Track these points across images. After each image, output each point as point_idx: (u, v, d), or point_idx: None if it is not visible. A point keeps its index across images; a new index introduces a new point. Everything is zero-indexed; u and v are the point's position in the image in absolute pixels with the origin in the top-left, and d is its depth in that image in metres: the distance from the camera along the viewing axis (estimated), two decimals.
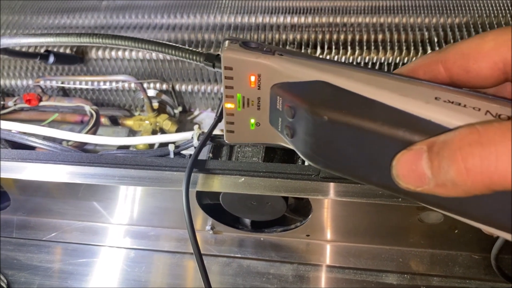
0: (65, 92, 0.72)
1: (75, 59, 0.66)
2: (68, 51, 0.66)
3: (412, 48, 0.60)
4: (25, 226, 0.63)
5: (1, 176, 0.50)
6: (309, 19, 0.66)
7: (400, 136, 0.19)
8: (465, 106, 0.19)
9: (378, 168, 0.21)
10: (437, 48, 0.59)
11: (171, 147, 0.53)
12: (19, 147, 0.60)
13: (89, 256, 0.61)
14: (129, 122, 0.69)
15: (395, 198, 0.44)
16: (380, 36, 0.62)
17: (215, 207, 0.55)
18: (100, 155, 0.50)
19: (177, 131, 0.69)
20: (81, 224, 0.63)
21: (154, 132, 0.68)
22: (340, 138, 0.22)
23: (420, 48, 0.60)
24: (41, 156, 0.51)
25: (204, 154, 0.52)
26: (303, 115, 0.23)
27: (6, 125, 0.58)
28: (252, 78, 0.25)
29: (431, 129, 0.19)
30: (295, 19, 0.66)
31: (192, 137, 0.53)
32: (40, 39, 0.54)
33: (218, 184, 0.48)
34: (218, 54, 0.29)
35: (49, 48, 0.65)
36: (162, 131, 0.69)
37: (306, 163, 0.49)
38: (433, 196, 0.19)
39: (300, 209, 0.55)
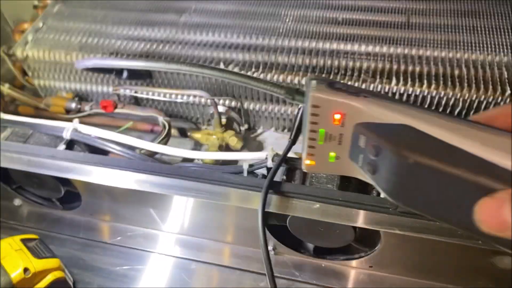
0: (136, 101, 0.74)
1: (146, 74, 0.69)
2: None
3: (490, 87, 0.59)
4: (92, 228, 0.65)
5: (88, 180, 0.53)
6: (384, 49, 0.66)
7: (482, 184, 0.21)
8: None
9: (459, 211, 0.22)
10: None
11: (245, 165, 0.54)
12: (94, 151, 0.62)
13: (150, 263, 0.62)
14: (197, 135, 0.71)
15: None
16: (456, 72, 0.62)
17: (280, 229, 0.55)
18: (179, 167, 0.52)
19: (242, 148, 0.70)
20: (145, 230, 0.64)
21: (220, 147, 0.69)
22: (423, 180, 0.23)
23: (499, 88, 0.59)
24: (122, 163, 0.53)
25: (277, 176, 0.53)
26: (388, 156, 0.24)
27: (86, 129, 0.61)
28: (337, 116, 0.27)
29: None
30: (370, 48, 0.66)
31: (266, 158, 0.54)
32: (130, 62, 0.57)
33: (292, 207, 0.48)
34: (298, 88, 0.32)
35: None
36: (228, 147, 0.70)
37: (382, 195, 0.49)
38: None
39: (366, 240, 0.55)
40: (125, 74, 0.67)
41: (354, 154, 0.28)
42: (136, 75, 0.69)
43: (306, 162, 0.30)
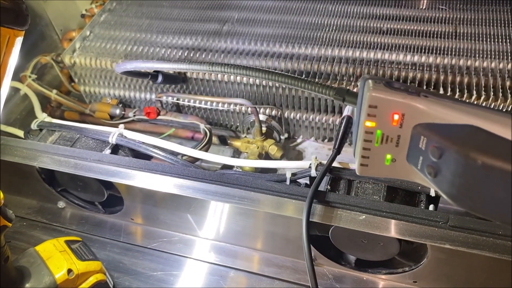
0: (178, 108, 0.75)
1: (179, 79, 0.71)
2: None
3: None
4: (132, 232, 0.66)
5: (136, 185, 0.53)
6: (430, 59, 0.65)
7: None
8: None
9: None
10: None
11: (288, 174, 0.54)
12: (137, 156, 0.63)
13: (186, 269, 0.62)
14: (237, 143, 0.71)
15: None
16: (508, 83, 0.60)
17: (322, 240, 0.54)
18: (222, 174, 0.52)
19: (281, 157, 0.70)
20: (182, 236, 0.64)
21: (259, 156, 0.69)
22: (492, 183, 0.23)
23: None
24: (166, 169, 0.53)
25: (321, 185, 0.52)
26: (452, 157, 0.24)
27: (131, 135, 0.62)
28: (395, 117, 0.26)
29: None
30: (415, 58, 0.65)
31: (310, 167, 0.53)
32: (174, 65, 0.58)
33: (336, 218, 0.47)
34: (349, 89, 0.31)
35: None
36: (267, 155, 0.70)
37: (430, 208, 0.48)
38: None
39: (410, 254, 0.53)
40: (160, 78, 0.68)
41: (413, 157, 0.27)
42: (171, 80, 0.70)
43: (361, 165, 0.29)
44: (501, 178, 0.22)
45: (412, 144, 0.27)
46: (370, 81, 0.27)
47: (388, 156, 0.28)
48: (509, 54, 0.63)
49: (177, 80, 0.71)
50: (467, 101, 0.58)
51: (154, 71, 0.68)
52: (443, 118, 0.25)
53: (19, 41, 0.38)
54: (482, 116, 0.24)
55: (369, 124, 0.27)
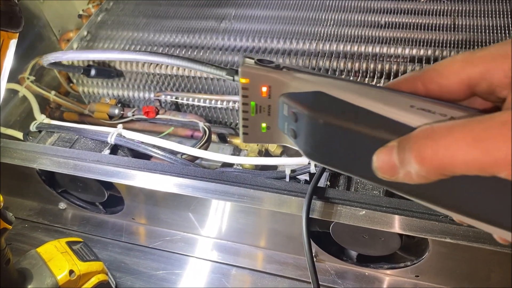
0: (177, 107, 0.75)
1: (113, 72, 0.72)
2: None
3: None
4: (134, 232, 0.66)
5: (135, 185, 0.53)
6: (429, 52, 0.64)
7: (380, 136, 0.24)
8: (434, 112, 0.24)
9: (364, 163, 0.25)
10: None
11: (287, 171, 0.54)
12: (136, 156, 0.63)
13: (189, 268, 0.62)
14: (236, 141, 0.71)
15: None
16: None
17: (322, 236, 0.54)
18: (221, 172, 0.52)
19: (282, 153, 0.69)
20: (184, 235, 0.64)
21: (259, 153, 0.69)
22: (333, 138, 0.27)
23: None
24: (165, 168, 0.53)
25: (320, 182, 0.52)
26: (303, 119, 0.28)
27: (129, 134, 0.62)
28: (264, 89, 0.30)
29: (404, 130, 0.23)
30: (414, 51, 0.65)
31: (309, 163, 0.53)
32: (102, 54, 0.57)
33: (336, 214, 0.47)
34: (238, 70, 0.33)
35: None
36: (267, 152, 0.70)
37: None
38: (406, 185, 0.23)
39: (411, 248, 0.53)
40: (92, 72, 0.70)
41: (281, 123, 0.31)
42: (105, 73, 0.72)
43: (242, 134, 0.33)
44: (339, 133, 0.26)
45: (279, 112, 0.31)
46: (244, 59, 0.31)
47: (264, 125, 0.32)
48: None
49: (111, 73, 0.72)
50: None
51: (87, 65, 0.70)
52: (298, 88, 0.29)
53: (13, 43, 0.38)
54: (327, 83, 0.28)
55: (244, 96, 0.31)
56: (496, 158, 0.19)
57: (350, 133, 0.25)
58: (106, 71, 0.72)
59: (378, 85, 0.28)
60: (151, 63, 0.69)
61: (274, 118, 0.31)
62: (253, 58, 0.30)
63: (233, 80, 0.36)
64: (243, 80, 0.30)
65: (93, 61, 0.72)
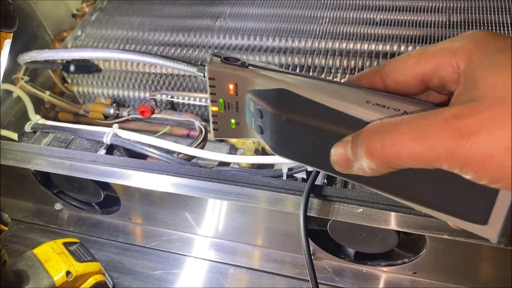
0: (173, 106, 0.75)
1: (93, 67, 0.73)
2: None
3: None
4: (130, 232, 0.66)
5: (133, 185, 0.53)
6: None
7: (338, 131, 0.25)
8: (388, 107, 0.25)
9: (324, 156, 0.26)
10: None
11: (284, 169, 0.53)
12: (132, 156, 0.63)
13: (186, 267, 0.62)
14: (233, 140, 0.70)
15: None
16: None
17: (320, 233, 0.54)
18: (218, 171, 0.52)
19: None
20: (181, 234, 0.64)
21: (256, 151, 0.69)
22: (296, 134, 0.28)
23: None
24: (161, 167, 0.53)
25: (317, 179, 0.52)
26: (268, 116, 0.29)
27: (125, 134, 0.62)
28: (231, 86, 0.31)
29: (359, 125, 0.24)
30: (410, 48, 0.65)
31: None
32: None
33: (334, 211, 0.47)
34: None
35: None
36: (264, 151, 0.70)
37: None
38: (361, 176, 0.24)
39: (409, 245, 0.53)
40: (71, 68, 0.70)
41: (249, 119, 0.32)
42: (84, 69, 0.72)
43: (213, 130, 0.34)
44: (300, 128, 0.27)
45: (247, 108, 0.32)
46: (210, 57, 0.31)
47: (233, 120, 0.33)
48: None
49: (90, 68, 0.73)
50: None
51: (66, 62, 0.70)
52: (263, 85, 0.29)
53: (7, 43, 0.38)
54: (290, 81, 0.28)
55: (212, 93, 0.32)
56: (438, 152, 0.20)
57: (311, 129, 0.27)
58: (85, 66, 0.72)
59: (341, 80, 0.29)
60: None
61: (242, 114, 0.32)
62: (220, 56, 0.31)
63: (204, 76, 0.36)
64: (209, 79, 0.31)
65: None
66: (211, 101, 0.32)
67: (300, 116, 0.27)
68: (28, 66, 0.74)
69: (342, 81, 0.62)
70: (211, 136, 0.35)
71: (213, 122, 0.33)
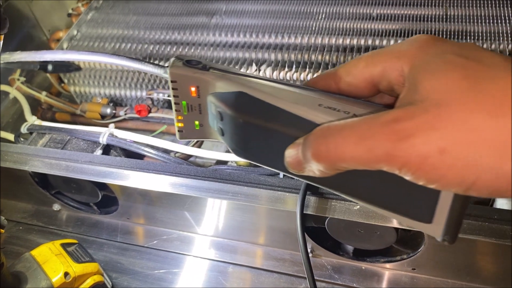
0: (170, 105, 0.74)
1: (72, 66, 0.73)
2: None
3: None
4: (129, 232, 0.66)
5: (130, 185, 0.53)
6: None
7: (291, 134, 0.26)
8: (339, 110, 0.25)
9: (280, 158, 0.27)
10: None
11: None
12: (129, 156, 0.63)
13: (186, 266, 0.62)
14: None
15: None
16: None
17: (318, 231, 0.54)
18: (214, 170, 0.52)
19: None
20: (181, 233, 0.64)
21: None
22: (253, 136, 0.29)
23: None
24: (158, 167, 0.53)
25: None
26: (227, 118, 0.30)
27: (121, 134, 0.61)
28: (193, 89, 0.31)
29: (311, 128, 0.25)
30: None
31: None
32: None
33: (331, 209, 0.47)
34: None
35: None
36: None
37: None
38: (314, 177, 0.25)
39: (408, 241, 0.53)
40: (49, 67, 0.70)
41: (211, 121, 0.32)
42: (63, 68, 0.72)
43: (177, 132, 0.34)
44: (258, 131, 0.28)
45: (209, 110, 0.32)
46: (172, 60, 0.32)
47: (196, 122, 0.33)
48: (501, 35, 0.62)
49: (69, 67, 0.73)
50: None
51: (43, 61, 0.69)
52: (223, 88, 0.30)
53: None
54: (248, 84, 0.29)
55: (175, 96, 0.32)
56: (377, 154, 0.21)
57: (267, 131, 0.28)
58: (64, 66, 0.72)
59: (297, 83, 0.31)
60: None
61: (205, 116, 0.33)
62: (182, 59, 0.32)
63: None
64: (172, 81, 0.31)
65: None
66: (175, 103, 0.32)
67: (256, 118, 0.28)
68: (7, 67, 0.74)
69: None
70: (176, 137, 0.35)
71: (177, 124, 0.34)
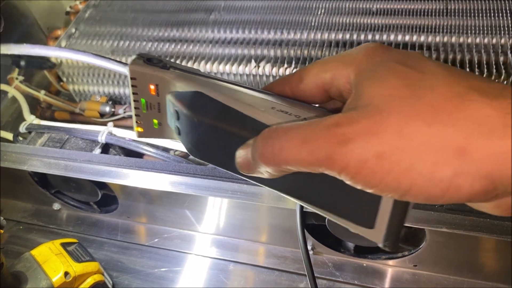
0: None
1: (45, 64, 0.73)
2: None
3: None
4: (129, 230, 0.65)
5: (130, 185, 0.53)
6: (422, 38, 0.63)
7: (244, 135, 0.26)
8: (290, 114, 0.26)
9: (232, 159, 0.26)
10: None
11: None
12: (128, 154, 0.63)
13: (187, 265, 0.62)
14: None
15: None
16: (501, 58, 0.58)
17: (319, 228, 0.54)
18: (214, 168, 0.51)
19: None
20: (181, 232, 0.64)
21: None
22: (207, 136, 0.29)
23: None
24: (157, 166, 0.53)
25: None
26: (183, 117, 0.30)
27: (120, 132, 0.61)
28: (152, 87, 0.31)
29: (262, 129, 0.25)
30: (407, 38, 0.64)
31: None
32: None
33: None
34: None
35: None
36: None
37: None
38: (264, 179, 0.25)
39: (409, 238, 0.52)
40: (22, 62, 0.70)
41: (170, 120, 0.32)
42: (36, 64, 0.72)
43: (136, 130, 0.34)
44: (211, 131, 0.28)
45: (167, 109, 0.32)
46: (134, 57, 0.32)
47: (155, 121, 0.33)
48: (502, 28, 0.62)
49: (43, 65, 0.72)
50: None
51: (17, 56, 0.69)
52: (182, 87, 0.30)
53: None
54: (206, 84, 0.29)
55: (134, 93, 0.32)
56: (318, 157, 0.22)
57: (221, 131, 0.28)
58: (37, 62, 0.72)
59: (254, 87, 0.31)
60: None
61: (164, 115, 0.33)
62: (143, 57, 0.32)
63: None
64: (131, 78, 0.31)
65: None
66: (134, 100, 0.32)
67: (211, 118, 0.28)
68: None
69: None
70: (135, 135, 0.35)
71: (136, 122, 0.33)
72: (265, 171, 0.24)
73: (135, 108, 0.32)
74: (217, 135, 0.28)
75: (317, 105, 0.29)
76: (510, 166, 0.19)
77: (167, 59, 0.63)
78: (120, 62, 0.35)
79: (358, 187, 0.22)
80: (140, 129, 0.34)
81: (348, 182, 0.22)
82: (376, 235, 0.25)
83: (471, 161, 0.19)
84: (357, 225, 0.26)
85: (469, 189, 0.20)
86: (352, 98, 0.24)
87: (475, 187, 0.20)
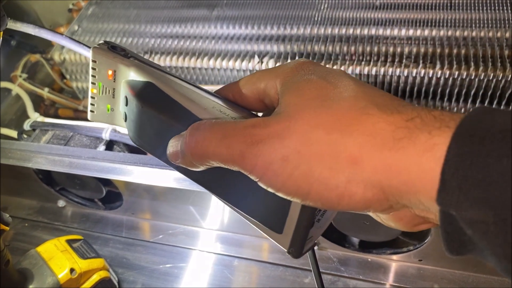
0: None
1: (36, 48, 0.74)
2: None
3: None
4: (134, 227, 0.66)
5: (137, 182, 0.53)
6: (426, 32, 0.63)
7: (179, 127, 0.27)
8: (227, 115, 0.27)
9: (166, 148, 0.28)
10: None
11: None
12: (132, 151, 0.63)
13: (192, 260, 0.62)
14: None
15: None
16: (506, 52, 0.58)
17: None
18: None
19: None
20: (186, 228, 0.64)
21: None
22: (149, 124, 0.30)
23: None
24: (161, 162, 0.52)
25: None
26: (130, 103, 0.31)
27: (124, 129, 0.61)
28: (109, 72, 0.32)
29: None
30: (410, 32, 0.63)
31: None
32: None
33: None
34: None
35: None
36: None
37: None
38: (188, 171, 0.27)
39: (413, 233, 0.52)
40: (13, 42, 0.72)
41: (122, 107, 0.33)
42: (26, 46, 0.74)
43: (90, 111, 0.34)
44: (154, 120, 0.29)
45: (121, 96, 0.33)
46: (100, 43, 0.33)
47: (108, 106, 0.34)
48: (506, 22, 0.61)
49: (34, 48, 0.74)
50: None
51: (7, 35, 0.71)
52: (137, 77, 0.31)
53: None
54: (159, 77, 0.30)
55: (93, 76, 0.33)
56: (233, 153, 0.23)
57: (161, 121, 0.29)
58: (27, 45, 0.73)
59: (204, 88, 0.32)
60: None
61: (117, 101, 0.34)
62: (109, 44, 0.33)
63: None
64: (92, 61, 0.32)
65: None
66: (92, 83, 0.33)
67: (154, 108, 0.29)
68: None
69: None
70: (88, 117, 0.36)
71: (90, 104, 0.34)
72: (189, 162, 0.25)
73: (91, 90, 0.34)
74: (157, 125, 0.29)
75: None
76: (397, 176, 0.20)
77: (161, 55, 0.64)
78: (84, 45, 0.36)
79: (268, 189, 0.23)
80: (93, 111, 0.35)
81: (259, 184, 0.23)
82: (283, 241, 0.26)
83: (363, 170, 0.21)
84: (268, 229, 0.26)
85: (362, 197, 0.21)
86: (277, 107, 0.25)
87: (367, 195, 0.21)
